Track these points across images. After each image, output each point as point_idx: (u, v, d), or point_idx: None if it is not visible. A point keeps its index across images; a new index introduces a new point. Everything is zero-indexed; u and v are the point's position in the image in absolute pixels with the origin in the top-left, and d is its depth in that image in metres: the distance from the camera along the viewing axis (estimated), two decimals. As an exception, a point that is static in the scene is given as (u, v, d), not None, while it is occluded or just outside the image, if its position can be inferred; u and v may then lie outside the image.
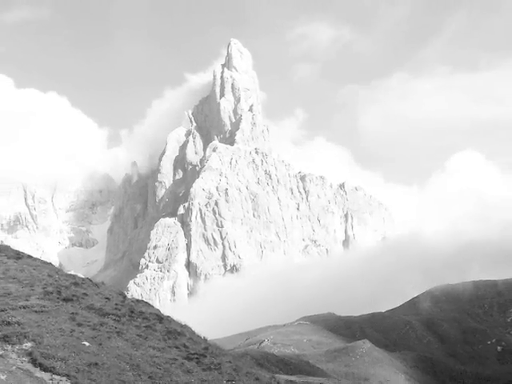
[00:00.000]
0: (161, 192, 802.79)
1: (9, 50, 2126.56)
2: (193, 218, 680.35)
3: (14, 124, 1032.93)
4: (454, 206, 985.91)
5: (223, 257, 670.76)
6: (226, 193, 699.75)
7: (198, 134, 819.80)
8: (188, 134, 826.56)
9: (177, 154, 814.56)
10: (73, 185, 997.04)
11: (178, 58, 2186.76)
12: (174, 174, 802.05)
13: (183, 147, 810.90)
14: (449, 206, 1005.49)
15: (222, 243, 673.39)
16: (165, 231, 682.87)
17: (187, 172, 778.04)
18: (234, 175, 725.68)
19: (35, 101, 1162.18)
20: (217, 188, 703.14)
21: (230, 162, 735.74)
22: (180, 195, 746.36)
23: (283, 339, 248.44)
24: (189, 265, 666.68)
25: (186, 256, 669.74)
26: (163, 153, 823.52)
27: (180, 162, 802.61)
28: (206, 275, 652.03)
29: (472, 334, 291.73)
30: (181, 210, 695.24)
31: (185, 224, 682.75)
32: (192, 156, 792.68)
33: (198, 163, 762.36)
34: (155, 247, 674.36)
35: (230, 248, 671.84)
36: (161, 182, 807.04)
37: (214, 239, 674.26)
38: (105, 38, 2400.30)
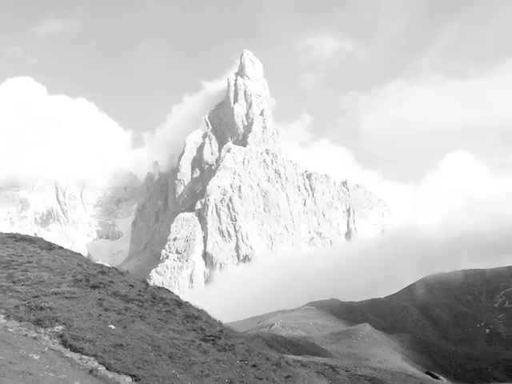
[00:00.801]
0: (180, 189, 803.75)
1: (42, 60, 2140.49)
2: (209, 213, 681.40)
3: (47, 127, 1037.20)
4: (447, 202, 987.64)
5: (236, 248, 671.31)
6: (239, 190, 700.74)
7: (213, 137, 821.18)
8: (205, 136, 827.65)
9: (194, 154, 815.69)
10: (100, 182, 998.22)
11: (196, 67, 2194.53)
12: (192, 173, 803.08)
13: (200, 148, 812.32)
14: (442, 201, 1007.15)
15: (236, 235, 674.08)
16: (183, 224, 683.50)
17: (204, 171, 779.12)
18: (247, 174, 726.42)
19: (66, 106, 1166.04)
20: (231, 185, 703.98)
21: (243, 162, 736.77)
22: (197, 192, 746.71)
23: (291, 323, 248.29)
24: (205, 255, 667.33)
25: (202, 247, 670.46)
26: (182, 153, 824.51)
27: (197, 161, 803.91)
28: (220, 264, 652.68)
29: (462, 318, 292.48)
30: (198, 206, 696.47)
31: (202, 218, 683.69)
32: (208, 156, 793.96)
33: (214, 163, 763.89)
34: (175, 239, 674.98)
35: (242, 240, 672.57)
36: (180, 180, 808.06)
37: (228, 232, 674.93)
38: (129, 48, 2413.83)
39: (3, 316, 51.35)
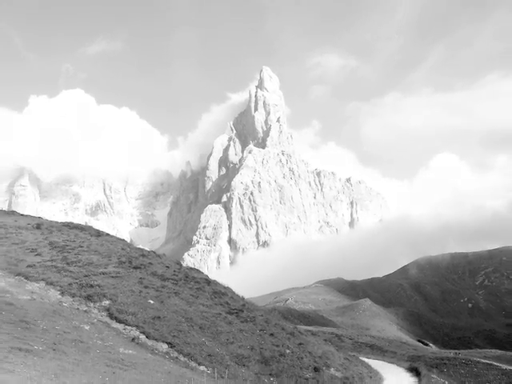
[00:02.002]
0: (208, 184, 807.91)
1: (90, 75, 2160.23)
2: (233, 205, 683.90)
3: (96, 132, 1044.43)
4: (435, 195, 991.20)
5: (257, 234, 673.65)
6: (259, 185, 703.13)
7: (237, 140, 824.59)
8: (230, 139, 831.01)
9: (221, 155, 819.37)
10: (140, 179, 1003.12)
11: (222, 81, 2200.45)
12: (219, 171, 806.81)
13: (226, 150, 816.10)
14: (431, 194, 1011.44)
15: (256, 224, 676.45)
16: (212, 215, 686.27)
17: (229, 169, 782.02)
18: (265, 171, 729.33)
19: (112, 114, 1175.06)
20: (252, 181, 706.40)
21: (262, 162, 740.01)
22: (223, 187, 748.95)
23: (303, 298, 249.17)
24: (230, 241, 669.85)
25: (228, 234, 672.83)
26: (210, 154, 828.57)
27: (223, 161, 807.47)
28: (243, 249, 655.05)
29: (449, 294, 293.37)
30: (224, 199, 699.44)
31: (227, 209, 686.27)
32: (233, 157, 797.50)
33: (238, 162, 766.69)
34: (204, 227, 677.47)
35: (262, 228, 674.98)
36: (208, 177, 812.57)
37: (250, 221, 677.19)
38: (164, 64, 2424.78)
39: (59, 292, 51.65)
